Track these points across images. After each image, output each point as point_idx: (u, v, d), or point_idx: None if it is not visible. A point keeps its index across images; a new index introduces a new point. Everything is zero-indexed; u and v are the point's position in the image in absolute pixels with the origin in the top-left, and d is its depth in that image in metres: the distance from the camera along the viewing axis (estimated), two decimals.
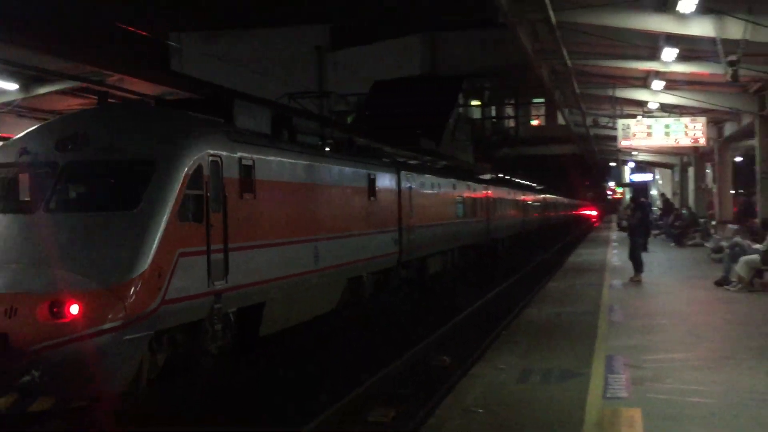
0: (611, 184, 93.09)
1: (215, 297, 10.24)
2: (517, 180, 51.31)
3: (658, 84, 22.74)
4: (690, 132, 25.96)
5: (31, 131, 10.43)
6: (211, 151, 10.45)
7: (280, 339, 12.76)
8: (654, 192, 54.47)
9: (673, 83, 23.22)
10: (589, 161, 60.30)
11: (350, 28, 43.41)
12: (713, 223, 30.74)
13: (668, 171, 48.41)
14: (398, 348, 13.08)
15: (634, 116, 27.68)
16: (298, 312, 13.01)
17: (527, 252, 36.56)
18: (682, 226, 31.98)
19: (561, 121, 43.50)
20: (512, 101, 49.42)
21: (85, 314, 8.47)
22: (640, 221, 18.88)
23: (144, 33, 23.05)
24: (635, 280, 18.17)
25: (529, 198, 47.33)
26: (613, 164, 60.94)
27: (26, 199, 9.66)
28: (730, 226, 25.25)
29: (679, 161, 41.82)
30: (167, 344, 9.71)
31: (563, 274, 21.35)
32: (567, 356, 9.98)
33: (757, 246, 16.65)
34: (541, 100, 50.20)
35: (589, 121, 32.81)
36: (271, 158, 12.12)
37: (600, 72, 23.72)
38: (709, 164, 34.18)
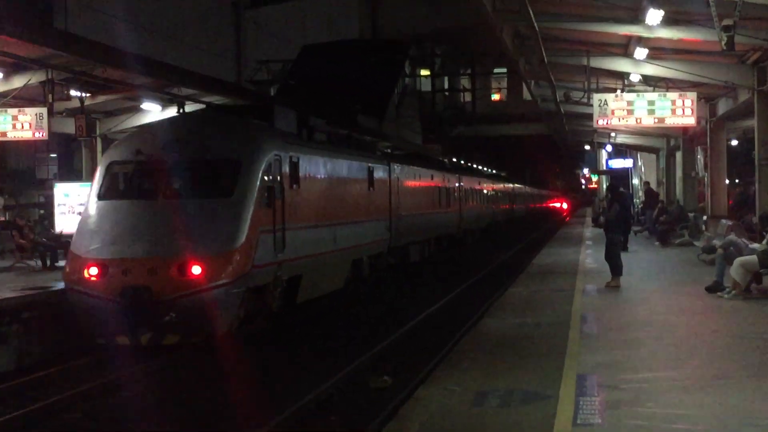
0: (585, 171, 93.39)
1: (278, 266, 15.78)
2: (483, 169, 52.81)
3: (640, 52, 23.20)
4: (678, 110, 26.30)
5: (139, 134, 17.15)
6: (276, 152, 16.26)
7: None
8: (635, 181, 55.26)
9: (658, 52, 23.74)
10: (559, 144, 61.33)
11: None
12: (704, 218, 31.27)
13: (652, 156, 49.19)
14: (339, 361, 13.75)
15: (612, 90, 28.03)
16: (321, 285, 18.61)
17: (493, 247, 38.98)
18: (667, 221, 32.36)
19: (527, 95, 44.60)
20: (468, 71, 49.95)
21: (205, 273, 14.08)
22: (619, 215, 19.05)
23: None
24: (612, 285, 18.41)
25: (496, 188, 51.12)
26: (587, 148, 60.83)
27: (145, 188, 15.38)
28: (723, 221, 25.72)
29: (664, 145, 42.56)
30: (248, 300, 14.58)
31: (528, 277, 21.69)
32: (531, 375, 10.15)
33: (755, 245, 16.99)
34: (503, 70, 50.70)
35: (559, 95, 33.21)
36: (309, 156, 18.13)
37: (573, 37, 24.28)
38: (699, 148, 35.01)
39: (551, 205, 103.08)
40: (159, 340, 14.54)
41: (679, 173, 38.67)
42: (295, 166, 17.51)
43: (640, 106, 26.54)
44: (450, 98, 52.16)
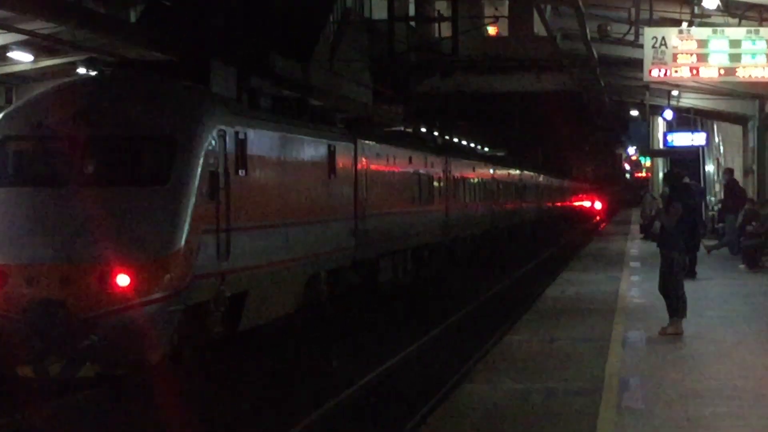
0: (631, 151, 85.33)
1: (221, 278, 15.92)
2: (478, 148, 52.39)
3: None
4: None
5: (39, 101, 16.30)
6: (220, 127, 16.22)
7: None
8: (710, 168, 52.31)
9: None
10: (590, 108, 57.27)
11: None
12: None
13: (737, 129, 45.15)
14: None
15: (676, 24, 26.81)
16: (270, 307, 18.50)
17: (490, 266, 37.93)
18: (759, 232, 29.92)
19: (539, 29, 41.90)
20: None
21: (135, 284, 14.03)
22: (682, 222, 17.79)
23: None
24: (671, 333, 17.32)
25: (499, 177, 49.03)
26: (634, 114, 56.00)
27: (52, 172, 15.25)
28: None
29: (756, 111, 39.02)
30: (183, 322, 15.27)
31: (538, 317, 20.71)
32: None
33: None
34: None
35: (591, 29, 30.60)
36: (258, 131, 17.96)
37: None
38: None
39: (576, 203, 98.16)
40: (74, 372, 14.06)
41: None
42: (242, 145, 17.16)
43: (719, 48, 24.85)
44: (418, 31, 47.22)
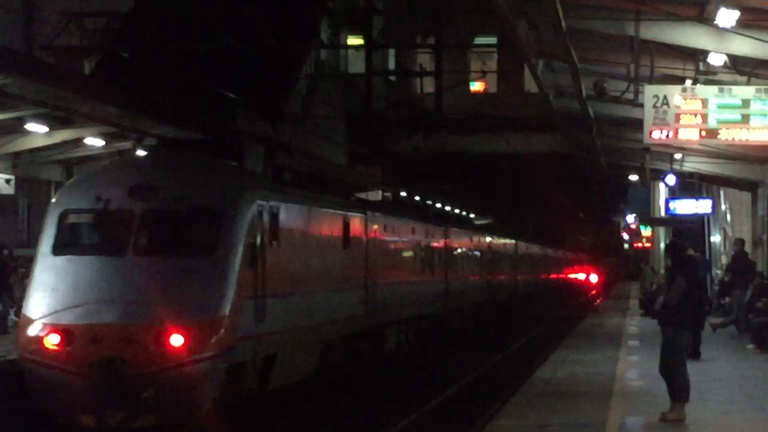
0: (630, 219, 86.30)
1: (258, 340, 19.70)
2: (473, 218, 54.56)
3: (726, 16, 21.85)
4: None
5: (97, 176, 20.98)
6: (259, 201, 20.13)
7: None
8: (716, 238, 52.85)
9: (755, 15, 22.72)
10: (585, 172, 57.81)
11: None
12: None
13: (745, 196, 46.11)
14: None
15: (678, 81, 27.30)
16: (294, 369, 22.39)
17: (478, 338, 39.93)
18: None
19: (530, 86, 42.33)
20: (430, 40, 46.25)
21: (188, 344, 17.34)
22: (685, 297, 17.67)
23: None
24: (673, 418, 17.24)
25: (495, 247, 53.07)
26: (633, 179, 55.83)
27: (111, 242, 18.92)
28: None
29: (766, 176, 39.94)
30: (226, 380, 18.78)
31: (527, 400, 20.54)
32: None
33: None
34: (491, 39, 47.47)
35: (587, 86, 31.25)
36: (287, 205, 21.88)
37: None
38: None
39: (570, 276, 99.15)
40: (132, 421, 17.33)
41: None
42: (275, 218, 21.00)
43: (725, 108, 25.06)
44: (398, 87, 48.40)
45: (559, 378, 24.39)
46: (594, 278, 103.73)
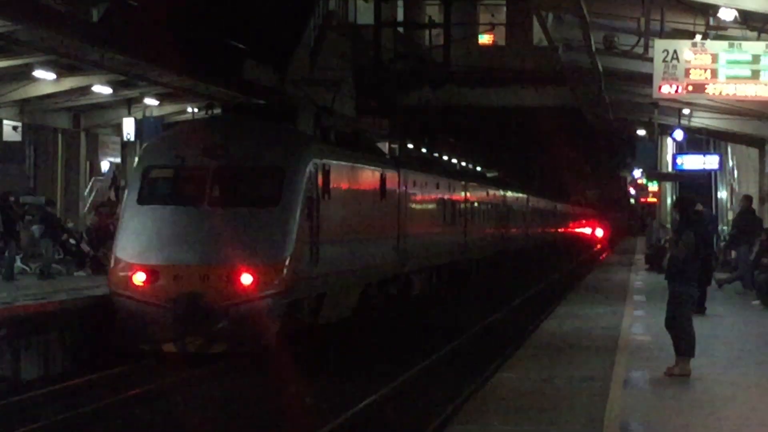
0: (637, 173, 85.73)
1: (313, 281, 23.39)
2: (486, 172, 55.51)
3: None
4: None
5: (174, 137, 25.01)
6: (314, 160, 23.76)
7: None
8: (723, 194, 52.70)
9: None
10: (593, 125, 57.75)
11: None
12: None
13: (754, 152, 45.58)
14: None
15: (689, 36, 26.84)
16: (338, 308, 25.98)
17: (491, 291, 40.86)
18: None
19: (539, 38, 42.46)
20: None
21: (257, 282, 21.29)
22: (692, 252, 17.70)
23: None
24: (678, 373, 17.30)
25: (510, 201, 54.71)
26: (641, 133, 55.73)
27: (189, 194, 22.66)
28: None
29: None
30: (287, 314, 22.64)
31: (532, 353, 20.68)
32: None
33: None
34: None
35: (596, 40, 31.04)
36: (336, 163, 25.52)
37: None
38: None
39: (576, 230, 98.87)
40: (207, 348, 20.96)
41: None
42: (327, 175, 24.27)
43: (735, 63, 24.80)
44: (406, 39, 47.84)
45: (564, 331, 24.37)
46: (599, 232, 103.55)
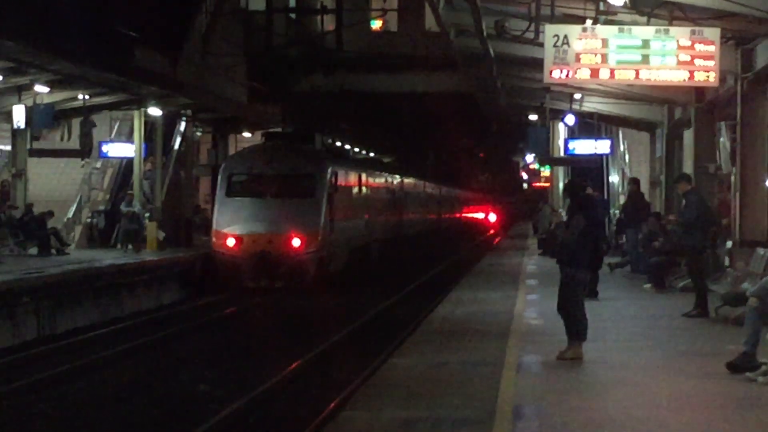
0: (529, 159, 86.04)
1: (329, 244, 39.13)
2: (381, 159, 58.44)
3: None
4: (687, 57, 25.00)
5: (248, 153, 41.84)
6: (332, 168, 40.80)
7: None
8: (614, 178, 53.65)
9: None
10: (485, 110, 58.46)
11: None
12: (729, 244, 29.37)
13: (644, 137, 46.93)
14: None
15: (579, 21, 27.29)
16: (339, 263, 40.12)
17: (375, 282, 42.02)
18: (666, 248, 29.99)
19: (431, 24, 43.11)
20: None
21: (303, 244, 37.10)
22: (583, 236, 18.07)
23: None
24: (570, 357, 17.66)
25: (407, 185, 58.44)
26: (533, 118, 55.91)
27: (258, 190, 38.80)
28: (761, 251, 24.51)
29: (664, 117, 40.24)
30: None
31: (425, 338, 20.98)
32: None
33: None
34: None
35: (488, 25, 31.32)
36: (342, 170, 42.47)
37: None
38: (725, 125, 33.19)
39: (468, 215, 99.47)
40: (273, 284, 35.20)
41: (688, 166, 35.53)
42: (336, 178, 39.15)
43: (625, 48, 25.39)
44: (298, 25, 48.44)
45: (458, 316, 24.58)
46: (492, 217, 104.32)
